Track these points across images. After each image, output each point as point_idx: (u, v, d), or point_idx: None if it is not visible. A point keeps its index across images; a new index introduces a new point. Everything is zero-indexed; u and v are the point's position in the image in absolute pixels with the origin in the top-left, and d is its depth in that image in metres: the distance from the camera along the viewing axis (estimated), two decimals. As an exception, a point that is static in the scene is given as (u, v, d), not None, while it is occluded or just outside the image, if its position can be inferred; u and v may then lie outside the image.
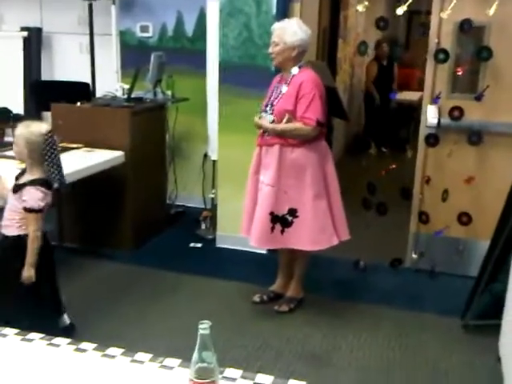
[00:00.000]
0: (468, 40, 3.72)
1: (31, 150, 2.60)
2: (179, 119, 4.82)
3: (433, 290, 3.81)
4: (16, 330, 1.62)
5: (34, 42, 5.59)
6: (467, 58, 3.73)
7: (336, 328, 3.30)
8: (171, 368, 1.46)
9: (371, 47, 6.80)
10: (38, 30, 5.58)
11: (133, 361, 1.49)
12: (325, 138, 3.35)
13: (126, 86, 4.37)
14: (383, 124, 7.50)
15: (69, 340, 1.59)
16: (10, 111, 5.30)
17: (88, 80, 5.00)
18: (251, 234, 3.32)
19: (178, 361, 1.47)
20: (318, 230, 3.24)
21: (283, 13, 4.02)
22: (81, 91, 4.60)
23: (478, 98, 3.65)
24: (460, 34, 3.67)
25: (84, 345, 1.57)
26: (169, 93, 4.70)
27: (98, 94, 4.87)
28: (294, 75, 3.21)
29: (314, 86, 3.15)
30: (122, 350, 1.53)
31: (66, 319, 2.94)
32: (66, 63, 5.58)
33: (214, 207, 4.55)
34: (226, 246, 4.35)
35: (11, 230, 2.66)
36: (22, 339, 1.58)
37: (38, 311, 2.69)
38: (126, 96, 4.32)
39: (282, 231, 3.25)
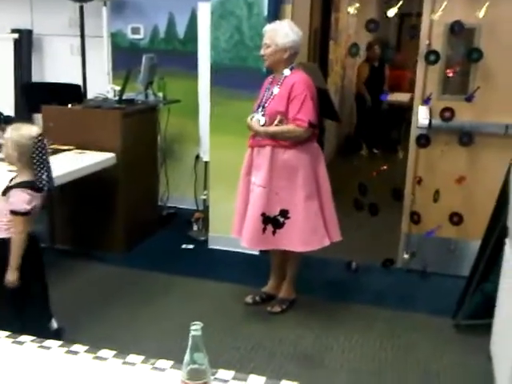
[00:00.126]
0: (458, 41, 3.74)
1: (21, 152, 2.58)
2: (171, 121, 4.82)
3: (424, 290, 3.82)
4: (7, 333, 1.61)
5: (24, 44, 5.57)
6: (458, 59, 3.74)
7: (328, 329, 3.31)
8: (163, 370, 1.45)
9: (363, 49, 6.83)
10: (29, 32, 5.56)
11: (125, 363, 1.49)
12: (316, 140, 3.35)
13: (118, 88, 4.36)
14: (375, 125, 7.53)
15: (60, 342, 1.58)
16: (0, 113, 5.27)
17: (79, 82, 4.99)
18: (243, 234, 3.32)
19: (170, 362, 1.47)
20: (309, 231, 3.25)
21: (274, 15, 4.03)
22: (72, 93, 4.59)
23: (469, 99, 3.67)
24: (451, 35, 3.69)
25: (75, 347, 1.56)
26: (160, 94, 4.69)
27: (89, 95, 4.86)
28: (285, 77, 3.21)
29: (305, 88, 3.15)
30: (114, 352, 1.53)
31: (54, 323, 2.92)
32: (56, 65, 5.57)
33: (206, 208, 4.55)
34: (218, 248, 4.35)
35: None
36: (13, 342, 1.58)
37: (29, 313, 2.67)
38: (117, 98, 4.31)
39: (274, 232, 3.25)
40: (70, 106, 4.22)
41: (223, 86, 4.12)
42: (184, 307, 3.51)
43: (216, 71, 4.14)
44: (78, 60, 5.17)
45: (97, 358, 1.51)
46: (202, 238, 4.51)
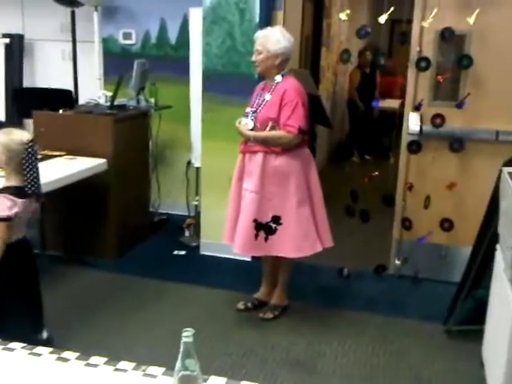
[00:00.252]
0: (449, 48, 3.76)
1: (9, 157, 2.55)
2: (162, 127, 4.80)
3: (416, 296, 3.83)
4: (-4, 340, 1.60)
5: (15, 49, 5.55)
6: (448, 65, 3.77)
7: (320, 335, 3.30)
8: (155, 376, 1.45)
9: (354, 55, 6.86)
10: (20, 37, 5.55)
11: (116, 369, 1.48)
12: (308, 146, 3.36)
13: (109, 94, 4.36)
14: (367, 131, 7.56)
15: (51, 349, 1.57)
16: (-10, 118, 5.26)
17: (70, 87, 4.98)
18: (235, 241, 3.32)
19: (162, 369, 1.47)
20: (301, 237, 3.25)
21: (266, 21, 4.04)
22: (63, 98, 4.57)
23: (459, 106, 3.69)
24: (441, 42, 3.71)
25: (66, 354, 1.55)
26: (152, 100, 4.69)
27: (81, 101, 4.85)
28: (277, 83, 3.22)
29: (296, 94, 3.16)
30: (105, 359, 1.52)
31: (44, 333, 2.89)
32: (48, 70, 5.55)
33: (198, 214, 4.54)
34: (209, 254, 4.34)
35: None
36: (3, 348, 1.56)
37: (20, 320, 2.65)
38: (108, 103, 4.30)
39: (266, 238, 3.25)
40: (61, 111, 4.21)
41: (215, 91, 4.12)
42: (176, 313, 3.49)
43: (208, 77, 4.14)
44: (70, 65, 5.16)
45: (88, 364, 1.50)
46: (194, 244, 4.50)
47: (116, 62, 5.05)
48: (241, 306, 3.56)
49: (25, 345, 1.58)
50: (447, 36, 3.65)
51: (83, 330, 3.19)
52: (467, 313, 3.28)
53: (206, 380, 1.40)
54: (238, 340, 3.22)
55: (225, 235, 3.41)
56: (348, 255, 4.26)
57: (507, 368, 2.31)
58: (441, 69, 3.76)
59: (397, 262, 4.09)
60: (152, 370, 1.47)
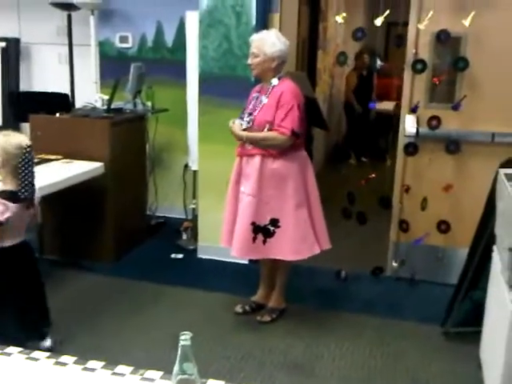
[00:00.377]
0: (445, 50, 3.77)
1: (5, 160, 2.55)
2: (159, 130, 4.81)
3: (413, 298, 3.83)
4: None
5: (12, 53, 5.54)
6: (444, 68, 3.78)
7: (318, 337, 3.30)
8: (152, 380, 1.44)
9: (351, 58, 6.87)
10: (16, 41, 5.54)
11: (114, 373, 1.48)
12: (305, 148, 3.36)
13: (106, 97, 4.36)
14: (363, 134, 7.57)
15: (48, 354, 1.57)
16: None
17: (67, 91, 4.97)
18: (233, 244, 3.32)
19: (160, 373, 1.46)
20: (299, 239, 3.25)
21: (262, 24, 4.04)
22: (60, 102, 4.56)
23: (456, 108, 3.70)
24: (437, 44, 3.72)
25: (64, 358, 1.55)
26: (149, 103, 4.68)
27: (78, 104, 4.84)
28: (273, 86, 3.22)
29: (293, 97, 3.16)
30: (103, 363, 1.52)
31: (47, 342, 2.88)
32: (44, 74, 5.55)
33: (195, 217, 4.54)
34: (207, 257, 4.34)
35: None
36: (1, 353, 1.56)
37: (21, 325, 2.64)
38: (105, 107, 4.31)
39: (264, 241, 3.25)
40: (57, 115, 4.21)
41: (212, 94, 4.13)
42: (173, 317, 3.49)
43: (204, 80, 4.15)
44: (66, 69, 5.15)
45: (85, 369, 1.50)
46: (191, 247, 4.49)
47: (112, 65, 5.05)
48: (238, 309, 3.56)
49: (22, 349, 1.58)
50: (443, 38, 3.66)
51: (81, 334, 3.19)
52: (464, 314, 3.29)
53: (204, 383, 1.40)
54: (235, 343, 3.22)
55: (222, 238, 3.41)
56: (345, 257, 4.26)
57: (505, 369, 2.31)
58: (437, 71, 3.77)
59: (394, 264, 4.09)
60: (150, 373, 1.47)
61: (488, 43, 3.63)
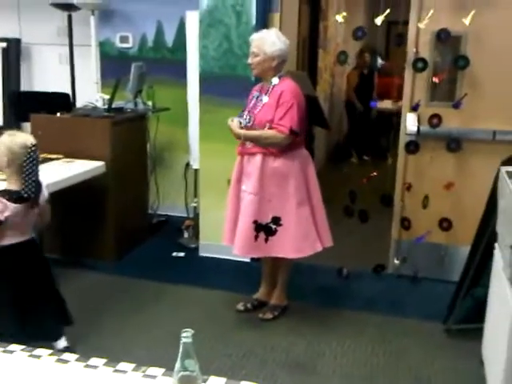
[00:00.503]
0: (445, 49, 3.77)
1: (11, 159, 2.55)
2: (160, 129, 4.81)
3: (415, 296, 3.83)
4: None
5: (12, 53, 5.55)
6: (445, 66, 3.78)
7: (320, 335, 3.31)
8: (154, 377, 1.45)
9: (351, 57, 6.87)
10: (17, 41, 5.54)
11: (116, 371, 1.48)
12: (306, 147, 3.37)
13: (107, 97, 4.36)
14: (365, 132, 7.57)
15: (50, 351, 1.57)
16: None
17: (68, 91, 4.98)
18: (235, 242, 3.32)
19: (162, 370, 1.47)
20: (301, 237, 3.25)
21: (263, 23, 4.05)
22: (61, 102, 4.57)
23: (456, 106, 3.70)
24: (437, 43, 3.72)
25: (66, 355, 1.55)
26: (149, 103, 4.69)
27: (78, 104, 4.85)
28: (274, 85, 3.22)
29: (292, 96, 3.16)
30: (105, 361, 1.52)
31: (61, 343, 2.87)
32: (45, 74, 5.55)
33: (197, 216, 4.54)
34: (209, 255, 4.34)
35: None
36: (3, 351, 1.56)
37: (23, 324, 2.64)
38: (106, 106, 4.31)
39: (266, 240, 3.25)
40: (58, 114, 4.21)
41: (212, 94, 4.13)
42: (175, 315, 3.49)
43: (205, 79, 4.15)
44: (67, 69, 5.16)
45: (88, 366, 1.50)
46: (193, 246, 4.50)
47: (113, 65, 5.06)
48: (240, 306, 3.57)
49: (24, 347, 1.58)
50: (443, 37, 3.66)
51: (82, 332, 3.19)
52: (466, 312, 3.28)
53: (205, 380, 1.41)
54: (237, 341, 3.23)
55: (224, 237, 3.41)
56: (347, 255, 4.26)
57: (507, 365, 2.32)
58: (437, 70, 3.77)
59: (396, 261, 4.09)
60: (152, 370, 1.47)
61: (488, 42, 3.63)
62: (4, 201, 2.54)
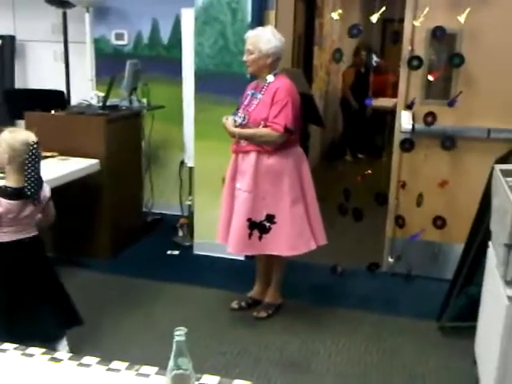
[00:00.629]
0: (441, 47, 3.78)
1: (12, 156, 2.54)
2: (155, 127, 4.80)
3: (409, 294, 3.84)
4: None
5: (7, 50, 5.53)
6: (440, 64, 3.78)
7: (314, 333, 3.31)
8: (147, 376, 1.45)
9: (347, 55, 6.88)
10: (12, 38, 5.52)
11: (109, 369, 1.48)
12: (301, 145, 3.36)
13: (101, 94, 4.34)
14: (360, 130, 7.57)
15: (43, 350, 1.57)
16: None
17: (63, 88, 4.97)
18: (229, 241, 3.32)
19: (155, 368, 1.47)
20: (295, 235, 3.25)
21: (258, 21, 4.04)
22: (55, 99, 4.56)
23: (451, 104, 3.71)
24: (433, 41, 3.73)
25: (59, 354, 1.55)
26: (144, 100, 4.68)
27: (73, 102, 4.84)
28: (269, 83, 3.21)
29: (287, 94, 3.15)
30: (98, 359, 1.52)
31: (61, 345, 2.85)
32: (40, 71, 5.53)
33: (191, 214, 4.54)
34: (203, 253, 4.34)
35: None
36: (-4, 350, 1.56)
37: (21, 324, 2.63)
38: (101, 104, 4.30)
39: (260, 237, 3.25)
40: (53, 112, 4.20)
41: (208, 91, 4.12)
42: (169, 313, 3.49)
43: (200, 77, 4.14)
44: (62, 66, 5.14)
45: (81, 364, 1.50)
46: (187, 244, 4.50)
47: (108, 62, 5.05)
48: (235, 305, 3.56)
49: (17, 346, 1.58)
50: (439, 35, 3.66)
51: (76, 331, 3.18)
52: (460, 309, 3.30)
53: (198, 379, 1.40)
54: (231, 339, 3.23)
55: (218, 235, 3.41)
56: (341, 253, 4.27)
57: (499, 363, 2.32)
58: (433, 67, 3.78)
59: (390, 259, 4.10)
60: (145, 369, 1.47)
61: (483, 39, 3.63)
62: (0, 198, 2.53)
